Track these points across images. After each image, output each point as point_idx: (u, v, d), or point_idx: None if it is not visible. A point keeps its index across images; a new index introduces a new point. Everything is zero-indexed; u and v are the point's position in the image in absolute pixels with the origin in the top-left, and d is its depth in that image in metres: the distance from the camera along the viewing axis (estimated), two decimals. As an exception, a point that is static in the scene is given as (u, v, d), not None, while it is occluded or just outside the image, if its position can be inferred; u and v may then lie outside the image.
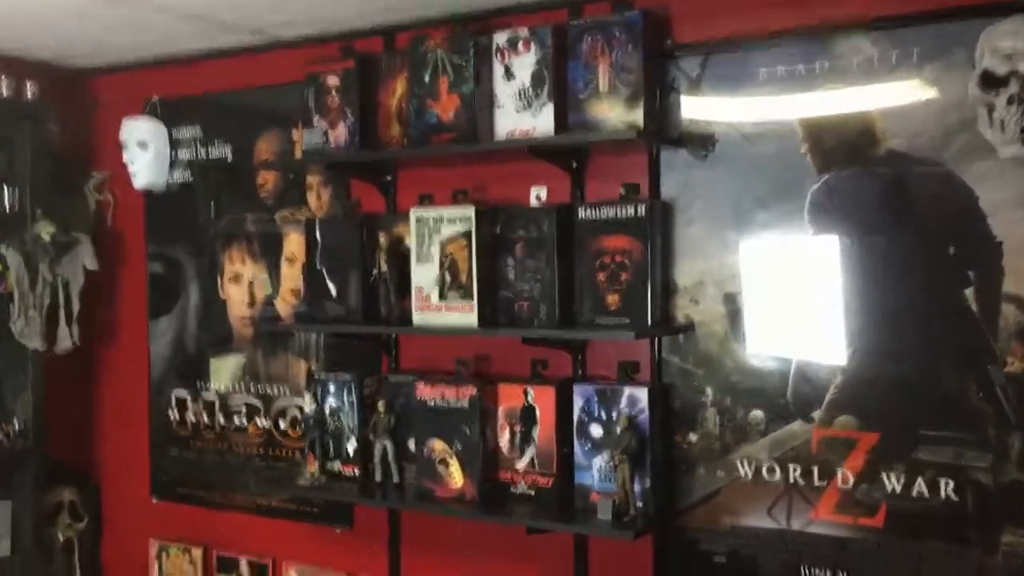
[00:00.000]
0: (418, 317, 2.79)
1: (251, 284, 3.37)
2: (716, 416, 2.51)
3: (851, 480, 2.34)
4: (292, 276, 3.27)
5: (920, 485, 2.25)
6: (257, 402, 3.37)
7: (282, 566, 3.31)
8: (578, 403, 2.63)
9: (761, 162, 2.45)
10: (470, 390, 2.72)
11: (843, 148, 2.35)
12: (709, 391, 2.51)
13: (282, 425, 3.31)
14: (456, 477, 2.74)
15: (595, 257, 2.59)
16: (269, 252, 3.33)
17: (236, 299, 3.41)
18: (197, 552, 3.50)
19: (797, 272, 2.41)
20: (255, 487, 3.34)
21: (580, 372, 2.73)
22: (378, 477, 2.91)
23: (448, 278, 2.74)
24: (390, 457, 2.89)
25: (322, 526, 3.21)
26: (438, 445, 2.77)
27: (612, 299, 2.57)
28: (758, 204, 2.46)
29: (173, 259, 3.56)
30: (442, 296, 2.74)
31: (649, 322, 2.51)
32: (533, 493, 2.67)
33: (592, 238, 2.60)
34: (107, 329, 3.72)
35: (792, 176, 2.41)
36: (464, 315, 2.70)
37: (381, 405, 2.91)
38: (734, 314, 2.49)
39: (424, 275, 2.78)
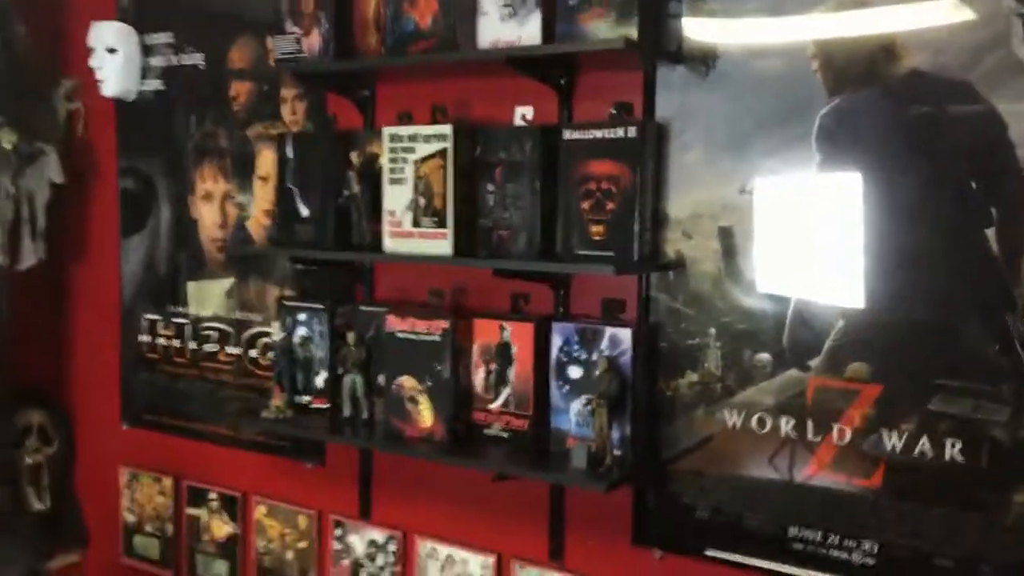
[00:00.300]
0: (389, 243, 2.58)
1: (223, 204, 3.17)
2: (717, 358, 2.30)
3: (848, 436, 2.13)
4: (266, 196, 3.06)
5: (924, 443, 2.04)
6: (229, 328, 3.19)
7: (251, 500, 3.17)
8: (557, 342, 2.42)
9: (766, 81, 2.20)
10: (442, 323, 2.53)
11: (858, 66, 2.09)
12: (713, 331, 2.29)
13: (253, 353, 3.14)
14: (425, 416, 2.56)
15: (580, 183, 2.36)
16: (242, 170, 3.12)
17: (208, 219, 3.21)
18: (168, 482, 3.37)
19: (800, 205, 2.17)
20: (223, 418, 3.18)
21: (562, 309, 2.52)
22: (347, 412, 2.74)
23: (422, 202, 2.52)
24: (359, 392, 2.71)
25: (292, 460, 3.06)
26: (407, 382, 2.59)
27: (596, 230, 2.34)
28: (761, 128, 2.21)
29: (145, 174, 3.36)
30: (415, 222, 2.53)
31: (635, 256, 2.29)
32: (507, 436, 2.49)
33: (577, 162, 2.36)
34: (77, 246, 3.55)
35: (800, 98, 2.16)
36: (438, 243, 2.48)
37: (351, 337, 2.72)
38: (729, 250, 2.26)
39: (397, 198, 2.56)
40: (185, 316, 3.29)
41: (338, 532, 2.96)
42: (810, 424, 2.17)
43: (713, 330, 2.28)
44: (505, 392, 2.50)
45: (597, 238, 2.34)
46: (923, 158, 2.03)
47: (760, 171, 2.21)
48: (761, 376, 2.23)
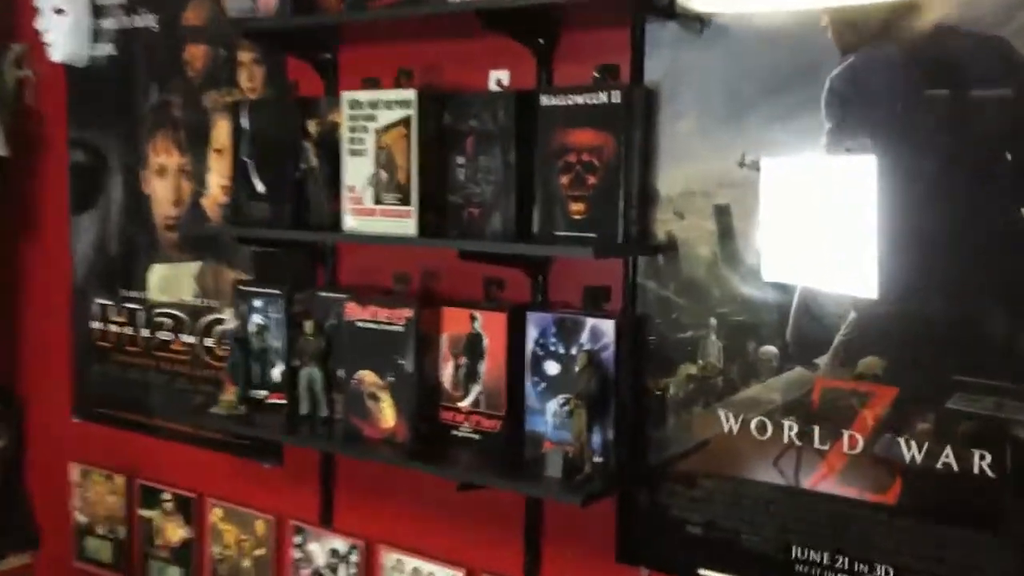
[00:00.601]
0: (349, 222, 2.31)
1: (178, 179, 2.91)
2: (715, 353, 2.03)
3: (860, 443, 1.86)
4: (222, 170, 2.79)
5: (946, 452, 1.77)
6: (184, 315, 2.94)
7: (206, 503, 2.92)
8: (532, 334, 2.16)
9: (769, 39, 1.92)
10: (406, 312, 2.26)
11: (875, 21, 1.82)
12: (713, 321, 2.02)
13: (209, 343, 2.88)
14: (387, 415, 2.30)
15: (558, 155, 2.09)
16: (197, 142, 2.85)
17: (161, 196, 2.95)
18: (120, 480, 3.12)
19: (807, 181, 1.90)
20: (177, 413, 2.93)
21: (540, 297, 2.25)
22: (304, 409, 2.48)
23: (384, 176, 2.25)
24: (318, 387, 2.46)
25: (250, 460, 2.80)
26: (368, 376, 2.32)
27: (576, 208, 2.08)
28: (763, 93, 1.93)
29: (96, 146, 3.09)
30: (377, 198, 2.27)
31: (619, 238, 2.02)
32: (478, 438, 2.23)
33: (556, 131, 2.10)
34: (24, 224, 3.29)
35: (808, 58, 1.88)
36: (401, 222, 2.22)
37: (308, 325, 2.46)
38: (726, 232, 1.99)
39: (357, 172, 2.29)
40: (138, 301, 3.03)
41: (298, 540, 2.71)
42: (817, 430, 1.90)
43: (714, 320, 2.01)
44: (475, 389, 2.24)
45: (577, 217, 2.07)
46: (948, 126, 1.76)
47: (762, 142, 1.94)
48: (762, 375, 1.97)
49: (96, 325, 3.14)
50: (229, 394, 2.56)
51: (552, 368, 2.13)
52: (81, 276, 3.17)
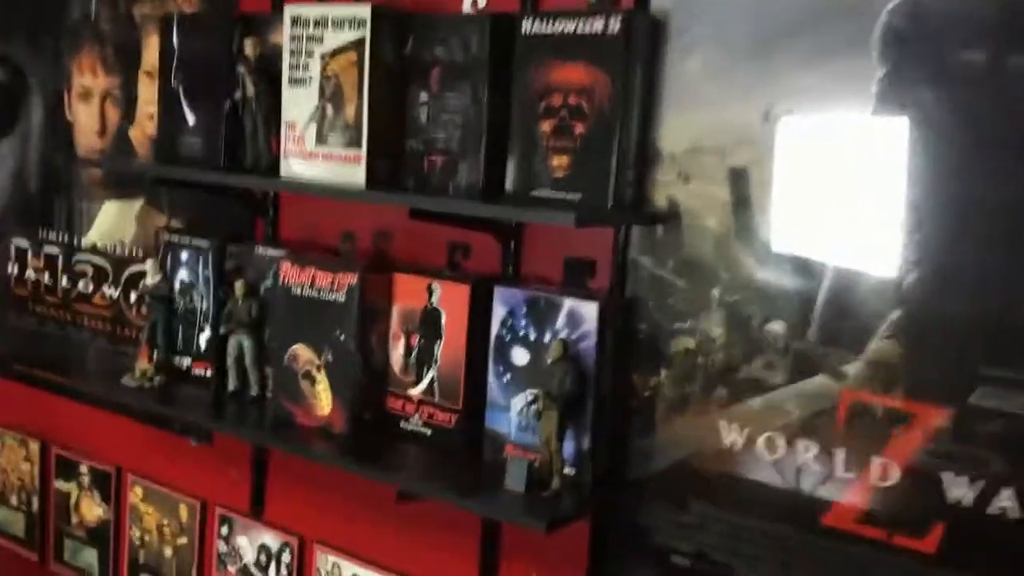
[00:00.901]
0: (287, 166, 1.92)
1: (103, 105, 2.51)
2: (716, 347, 1.65)
3: (894, 476, 1.49)
4: (152, 96, 2.39)
5: (1008, 497, 1.41)
6: (106, 264, 2.55)
7: (126, 478, 2.56)
8: (499, 313, 1.78)
9: (812, -42, 1.52)
10: (349, 277, 1.88)
11: (952, -62, 1.42)
12: (718, 310, 1.64)
13: (133, 297, 2.50)
14: (323, 400, 1.93)
15: (541, 96, 1.69)
16: (126, 62, 2.44)
17: (85, 124, 2.55)
18: (34, 446, 2.75)
19: (849, 141, 1.51)
20: (88, 376, 2.55)
21: (511, 268, 1.87)
22: (231, 385, 2.11)
23: (330, 111, 1.86)
24: (248, 360, 2.08)
25: (175, 435, 2.43)
26: (303, 352, 1.95)
27: (559, 162, 1.68)
28: (797, 26, 1.53)
29: (15, 63, 2.68)
30: (320, 137, 1.87)
31: (608, 202, 1.63)
32: (428, 433, 1.86)
33: (539, 66, 1.70)
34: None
35: (859, -16, 1.49)
36: (348, 168, 1.83)
37: (239, 286, 2.08)
38: (742, 200, 1.60)
39: (298, 105, 1.90)
40: (57, 244, 2.64)
41: (224, 530, 2.35)
42: (841, 454, 1.53)
43: (719, 308, 1.63)
44: (429, 375, 1.86)
45: (560, 174, 1.68)
46: (1037, 80, 1.36)
47: (793, 89, 1.54)
48: (774, 380, 1.59)
49: (12, 270, 2.75)
50: (144, 361, 2.18)
51: (520, 357, 1.75)
52: (-2, 213, 2.79)
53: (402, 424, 1.90)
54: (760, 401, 1.60)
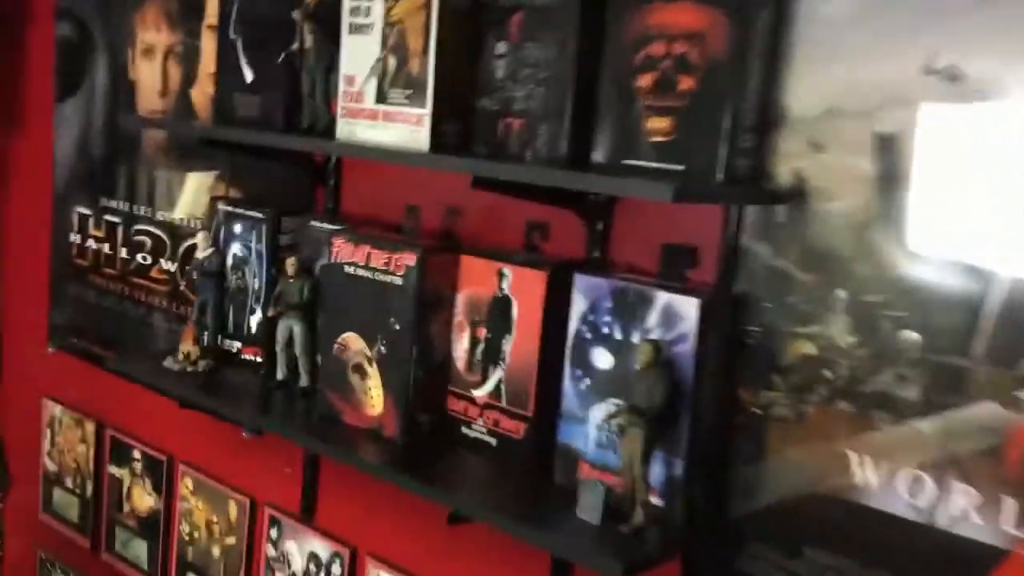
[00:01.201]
0: (344, 126, 1.67)
1: (165, 62, 2.30)
2: (850, 360, 1.33)
3: (1079, 537, 1.15)
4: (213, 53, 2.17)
5: None
6: (163, 235, 2.36)
7: (178, 469, 2.36)
8: (580, 306, 1.48)
9: None
10: (408, 257, 1.62)
11: None
12: (848, 291, 1.32)
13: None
14: (375, 397, 1.67)
15: (638, 45, 1.39)
16: (190, 14, 2.23)
17: (147, 83, 2.35)
18: (90, 427, 2.59)
19: (1036, 103, 1.16)
20: (139, 354, 2.36)
21: (598, 253, 1.57)
22: (280, 373, 1.88)
23: (392, 64, 1.59)
24: (299, 347, 1.84)
25: (227, 423, 2.21)
26: (354, 341, 1.70)
27: (658, 125, 1.38)
28: (976, -47, 1.19)
29: (81, 18, 2.51)
30: (380, 95, 1.61)
31: (718, 174, 1.33)
32: (494, 443, 1.59)
33: (638, 8, 1.40)
34: (7, 114, 2.75)
35: None
36: (409, 130, 1.56)
37: (291, 264, 1.84)
38: (890, 177, 1.27)
39: (357, 56, 1.64)
40: (118, 213, 2.46)
41: (273, 533, 2.12)
42: (1010, 505, 1.19)
43: (850, 313, 1.31)
44: (496, 375, 1.58)
45: (659, 139, 1.38)
46: None
47: (965, 33, 1.20)
48: (920, 402, 1.26)
49: (75, 239, 2.59)
50: (190, 343, 1.97)
51: (603, 359, 1.45)
52: (62, 179, 2.62)
53: (463, 430, 1.63)
54: (901, 428, 1.27)
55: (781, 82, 1.34)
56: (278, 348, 1.86)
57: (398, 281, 1.62)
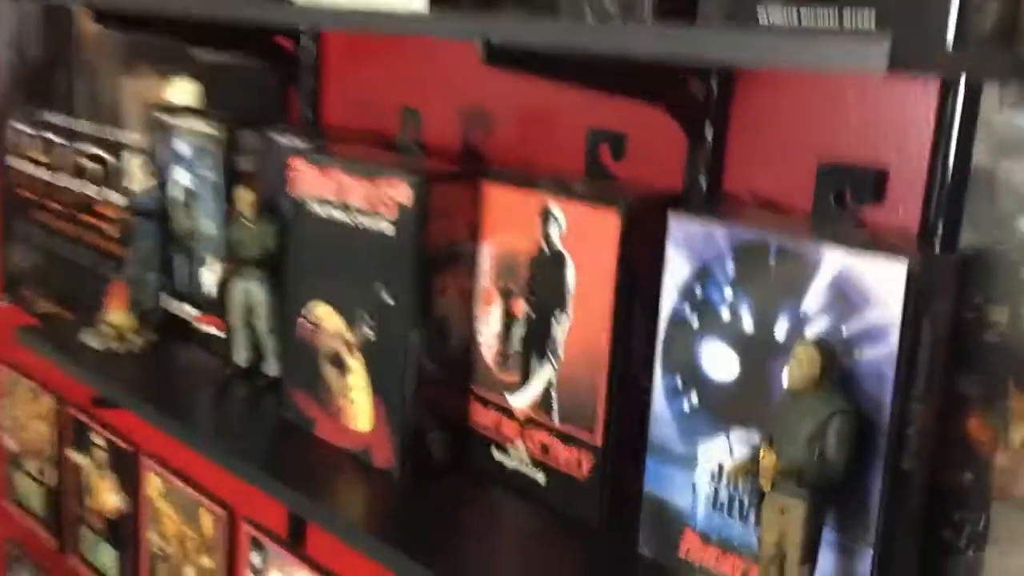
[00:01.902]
0: (301, -15, 1.07)
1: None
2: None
3: None
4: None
5: None
6: (110, 157, 1.79)
7: (142, 464, 1.84)
8: (681, 268, 0.88)
9: None
10: (402, 190, 1.02)
11: None
12: None
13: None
14: (359, 404, 1.10)
15: None
16: None
17: (80, -44, 1.77)
18: (48, 402, 2.08)
19: None
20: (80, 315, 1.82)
21: (705, 181, 0.96)
22: (240, 357, 1.31)
23: None
24: (261, 318, 1.27)
25: (196, 410, 1.68)
26: (327, 318, 1.12)
27: (830, -59, 0.75)
28: None
29: None
30: (353, -72, 1.00)
31: (947, 34, 0.70)
32: (540, 481, 1.01)
33: None
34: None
35: None
36: (396, -18, 0.96)
37: (245, 201, 1.25)
38: None
39: None
40: (56, 129, 1.90)
41: (255, 559, 1.59)
42: None
43: None
44: (544, 373, 1.00)
45: (828, -29, 0.75)
46: None
47: None
48: None
49: (16, 164, 2.05)
50: (116, 312, 1.41)
51: (721, 362, 0.85)
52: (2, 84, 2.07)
53: (497, 455, 1.05)
54: None
55: None
56: (234, 320, 1.30)
57: (387, 228, 1.03)
